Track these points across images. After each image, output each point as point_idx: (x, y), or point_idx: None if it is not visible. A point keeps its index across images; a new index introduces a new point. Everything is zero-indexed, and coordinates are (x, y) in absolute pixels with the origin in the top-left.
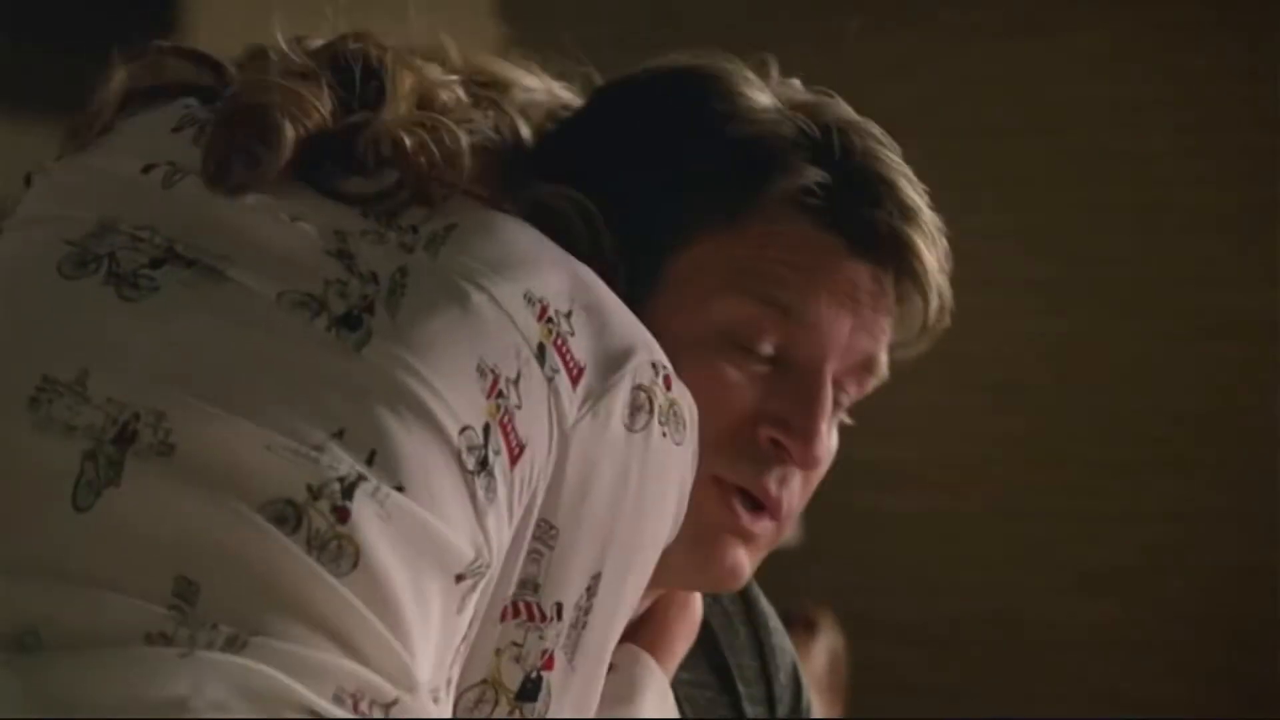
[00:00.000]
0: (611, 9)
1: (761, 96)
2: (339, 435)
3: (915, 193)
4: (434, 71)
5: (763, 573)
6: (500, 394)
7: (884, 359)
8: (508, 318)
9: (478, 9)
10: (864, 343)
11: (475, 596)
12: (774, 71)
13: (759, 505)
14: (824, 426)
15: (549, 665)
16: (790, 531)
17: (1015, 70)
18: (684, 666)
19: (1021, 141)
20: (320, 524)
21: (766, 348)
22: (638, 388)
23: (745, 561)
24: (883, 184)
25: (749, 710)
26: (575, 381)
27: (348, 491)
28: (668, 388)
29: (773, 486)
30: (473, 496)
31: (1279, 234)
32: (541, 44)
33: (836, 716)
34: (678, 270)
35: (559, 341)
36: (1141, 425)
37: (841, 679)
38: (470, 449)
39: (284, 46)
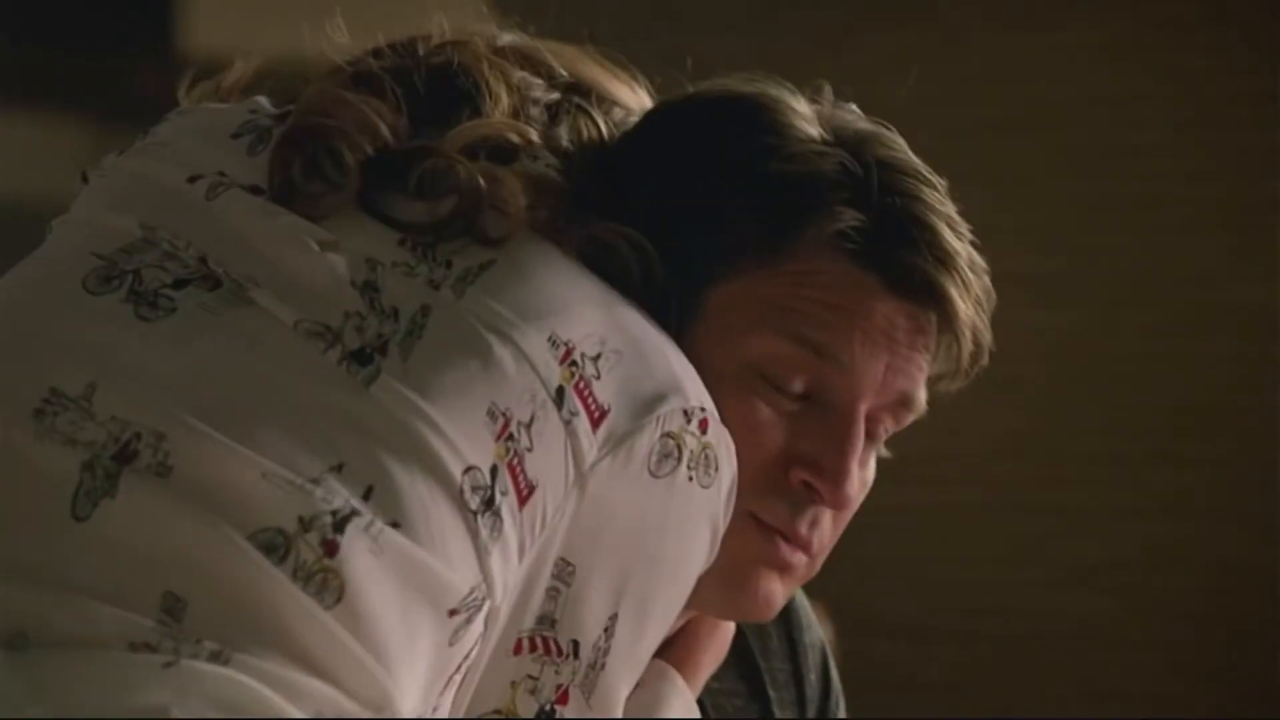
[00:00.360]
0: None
1: (809, 128)
2: (338, 469)
3: (954, 235)
4: (532, 85)
5: None
6: (510, 437)
7: (922, 396)
8: (527, 363)
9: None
10: (900, 382)
11: (471, 629)
12: (827, 96)
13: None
14: (854, 467)
15: (563, 700)
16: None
17: (1012, 66)
18: (714, 675)
19: (1020, 137)
20: (308, 555)
21: (798, 386)
22: (666, 435)
23: (779, 592)
24: (920, 227)
25: (779, 714)
26: (596, 424)
27: (339, 525)
28: (703, 431)
29: (804, 528)
30: (474, 535)
31: (1278, 230)
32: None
33: None
34: (715, 303)
35: (580, 385)
36: (1139, 420)
37: None
38: (475, 489)
39: (367, 49)
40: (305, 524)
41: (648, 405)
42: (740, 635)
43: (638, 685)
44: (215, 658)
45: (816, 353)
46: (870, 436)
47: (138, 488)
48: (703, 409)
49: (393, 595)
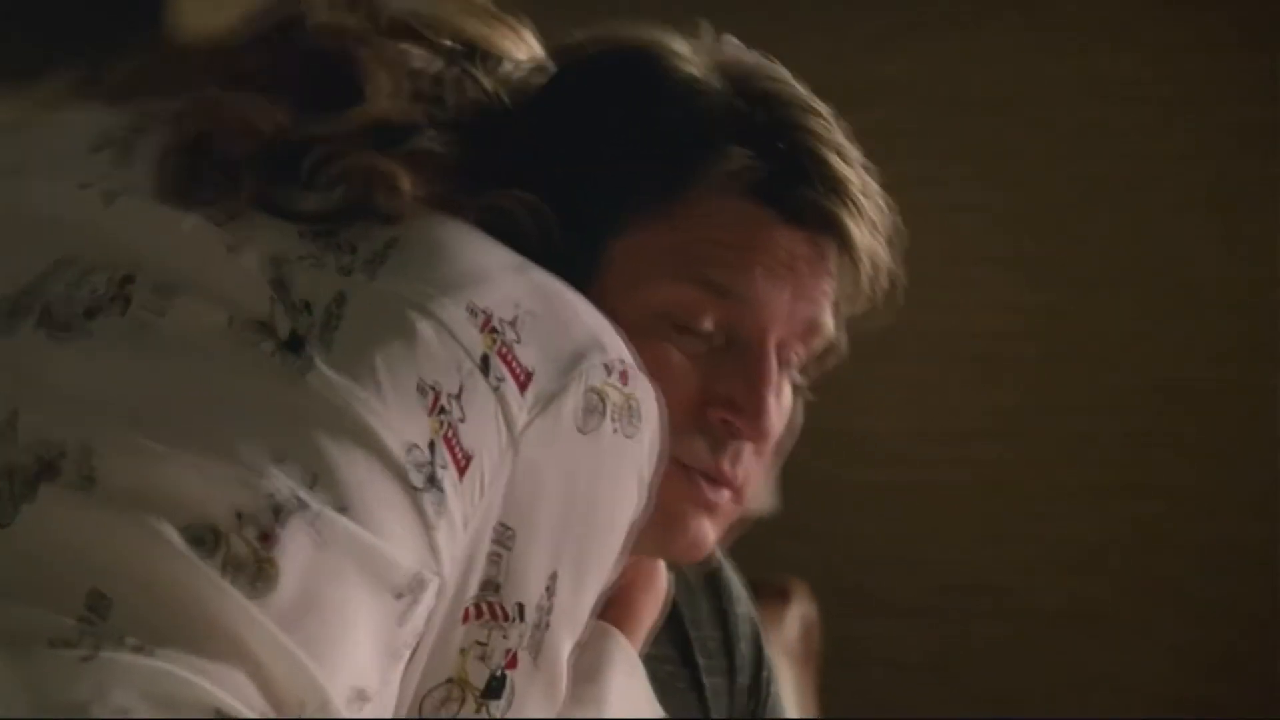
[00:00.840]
0: None
1: (690, 69)
2: (280, 460)
3: (843, 162)
4: (413, 58)
5: (740, 543)
6: (442, 410)
7: (829, 321)
8: (449, 335)
9: None
10: (806, 309)
11: (420, 608)
12: (707, 34)
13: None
14: (771, 399)
15: (513, 664)
16: (754, 502)
17: (998, 45)
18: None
19: (1007, 116)
20: (240, 548)
21: (708, 327)
22: (590, 390)
23: (709, 532)
24: (810, 158)
25: (709, 682)
26: (523, 387)
27: (280, 516)
28: (624, 383)
29: (726, 465)
30: (420, 513)
31: (1266, 208)
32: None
33: (809, 686)
34: (619, 256)
35: (503, 350)
36: (1126, 399)
37: (814, 649)
38: (418, 466)
39: (240, 38)
40: (241, 517)
41: (570, 363)
42: (673, 603)
43: (581, 646)
44: (138, 651)
45: (720, 293)
46: (782, 364)
47: (56, 495)
48: (622, 361)
49: (334, 581)
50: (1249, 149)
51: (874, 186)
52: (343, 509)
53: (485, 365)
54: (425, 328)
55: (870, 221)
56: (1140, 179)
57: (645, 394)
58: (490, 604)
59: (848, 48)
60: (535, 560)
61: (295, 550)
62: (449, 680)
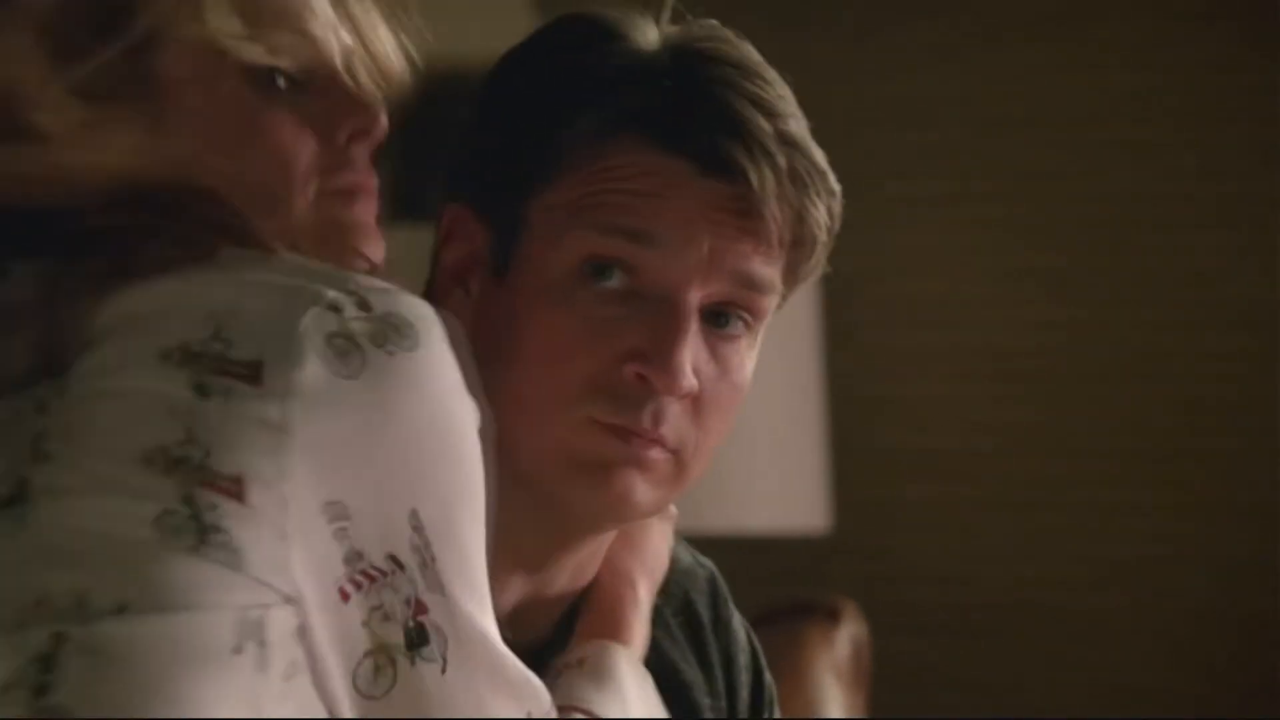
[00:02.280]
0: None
1: (633, 35)
2: (40, 604)
3: (760, 112)
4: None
5: (791, 563)
6: (178, 461)
7: (766, 273)
8: (143, 394)
9: None
10: (731, 260)
11: (275, 635)
12: (663, 15)
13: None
14: (682, 352)
15: (421, 610)
16: (702, 468)
17: (1021, 63)
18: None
19: (1029, 133)
20: (17, 712)
21: (619, 279)
22: (330, 338)
23: (639, 487)
24: (716, 105)
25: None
26: (257, 379)
27: (47, 665)
28: (367, 309)
29: (646, 421)
30: (218, 562)
31: None
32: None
33: (860, 706)
34: (537, 216)
35: (214, 365)
36: (1157, 415)
37: (865, 668)
38: (178, 530)
39: None
40: (6, 686)
41: (288, 329)
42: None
43: (580, 663)
44: None
45: (629, 238)
46: (722, 325)
47: None
48: (351, 291)
49: (164, 682)
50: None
51: (802, 141)
52: (121, 608)
53: (202, 389)
54: (116, 405)
55: (790, 172)
56: (1164, 195)
57: (402, 304)
58: (362, 571)
59: (874, 67)
60: (381, 511)
61: (77, 683)
62: (367, 653)
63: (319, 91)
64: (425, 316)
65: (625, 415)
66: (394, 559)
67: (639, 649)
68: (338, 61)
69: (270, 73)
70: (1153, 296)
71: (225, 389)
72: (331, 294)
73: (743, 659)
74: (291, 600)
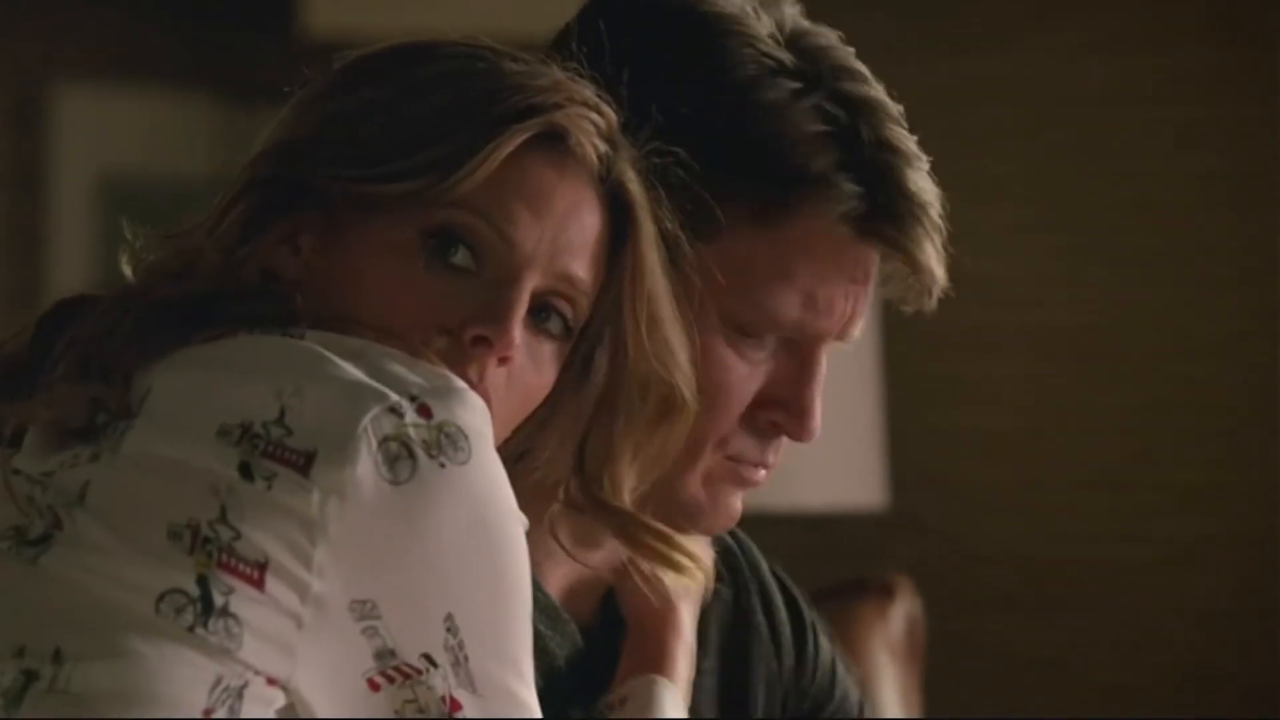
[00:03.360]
0: None
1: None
2: (19, 654)
3: (922, 186)
4: None
5: (851, 540)
6: (206, 540)
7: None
8: (191, 469)
9: None
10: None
11: (248, 708)
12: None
13: None
14: (818, 399)
15: (455, 706)
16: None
17: (1073, 44)
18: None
19: (1089, 111)
20: None
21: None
22: (385, 442)
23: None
24: (898, 191)
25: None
26: (304, 470)
27: (15, 701)
28: (427, 417)
29: (771, 457)
30: (203, 647)
31: None
32: None
33: (914, 683)
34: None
35: (269, 449)
36: (1218, 396)
37: (919, 645)
38: (179, 610)
39: None
40: None
41: (347, 428)
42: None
43: (623, 703)
44: None
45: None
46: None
47: None
48: (414, 396)
49: None
50: None
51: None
52: (94, 660)
53: (247, 472)
54: (164, 476)
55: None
56: (1233, 173)
57: (461, 412)
58: (395, 667)
59: (924, 46)
60: (414, 617)
61: None
62: None
63: (488, 284)
64: (480, 429)
65: (754, 452)
66: (428, 658)
67: (683, 680)
68: (524, 271)
69: (451, 242)
70: (1222, 276)
71: (270, 474)
72: (395, 397)
73: (779, 599)
74: (276, 682)
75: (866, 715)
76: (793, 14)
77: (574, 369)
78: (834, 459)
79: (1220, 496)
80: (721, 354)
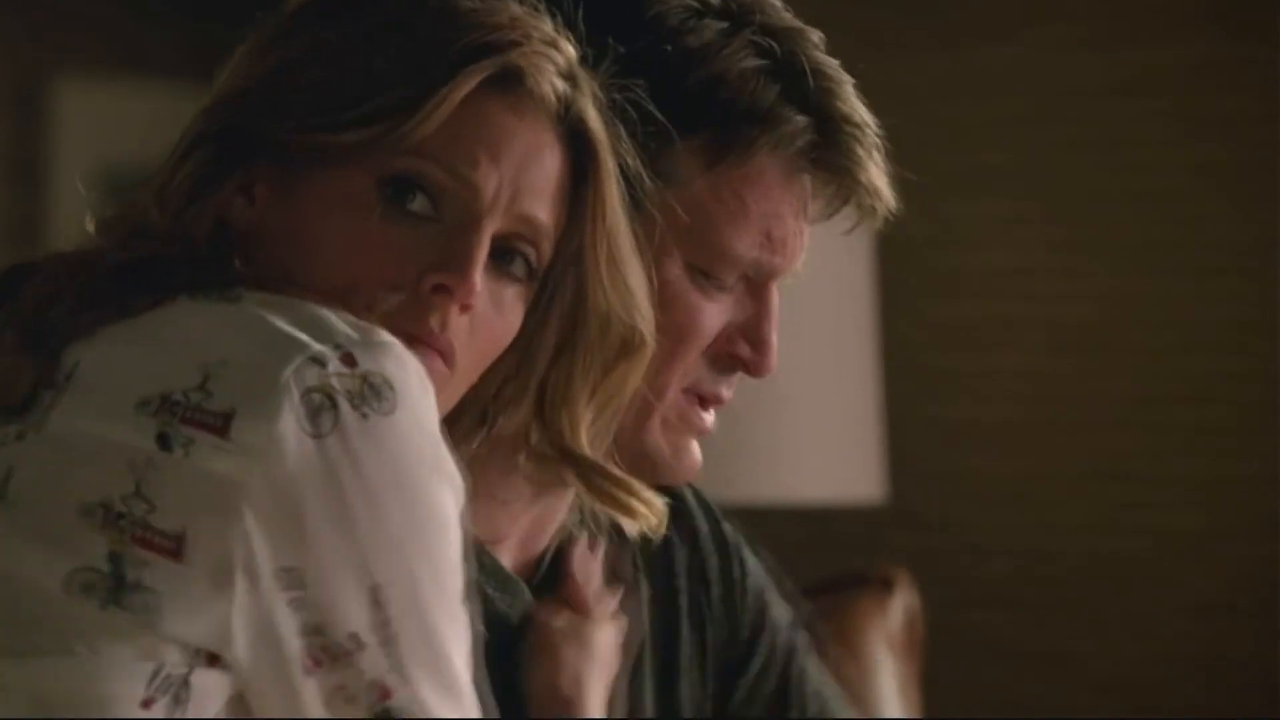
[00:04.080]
0: None
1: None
2: None
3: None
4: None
5: (852, 533)
6: (119, 516)
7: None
8: (106, 443)
9: None
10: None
11: (197, 690)
12: None
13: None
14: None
15: (386, 695)
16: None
17: (1074, 37)
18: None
19: (1090, 104)
20: None
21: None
22: (307, 393)
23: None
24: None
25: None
26: (224, 432)
27: None
28: (350, 365)
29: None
30: (127, 620)
31: None
32: None
33: (912, 677)
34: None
35: (187, 415)
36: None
37: (918, 639)
38: (88, 588)
39: None
40: None
41: (268, 382)
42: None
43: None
44: None
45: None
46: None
47: None
48: (337, 345)
49: None
50: None
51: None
52: (22, 654)
53: (165, 441)
54: (79, 453)
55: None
56: (1235, 164)
57: (387, 363)
58: (323, 646)
59: (929, 37)
60: (338, 585)
61: None
62: None
63: (448, 231)
64: (406, 381)
65: (710, 385)
66: (354, 638)
67: (594, 703)
68: (484, 216)
69: (408, 189)
70: (1221, 267)
71: (187, 440)
72: (318, 346)
73: (704, 528)
74: (219, 663)
75: (803, 640)
76: None
77: (537, 310)
78: (832, 452)
79: (1220, 489)
80: (687, 296)
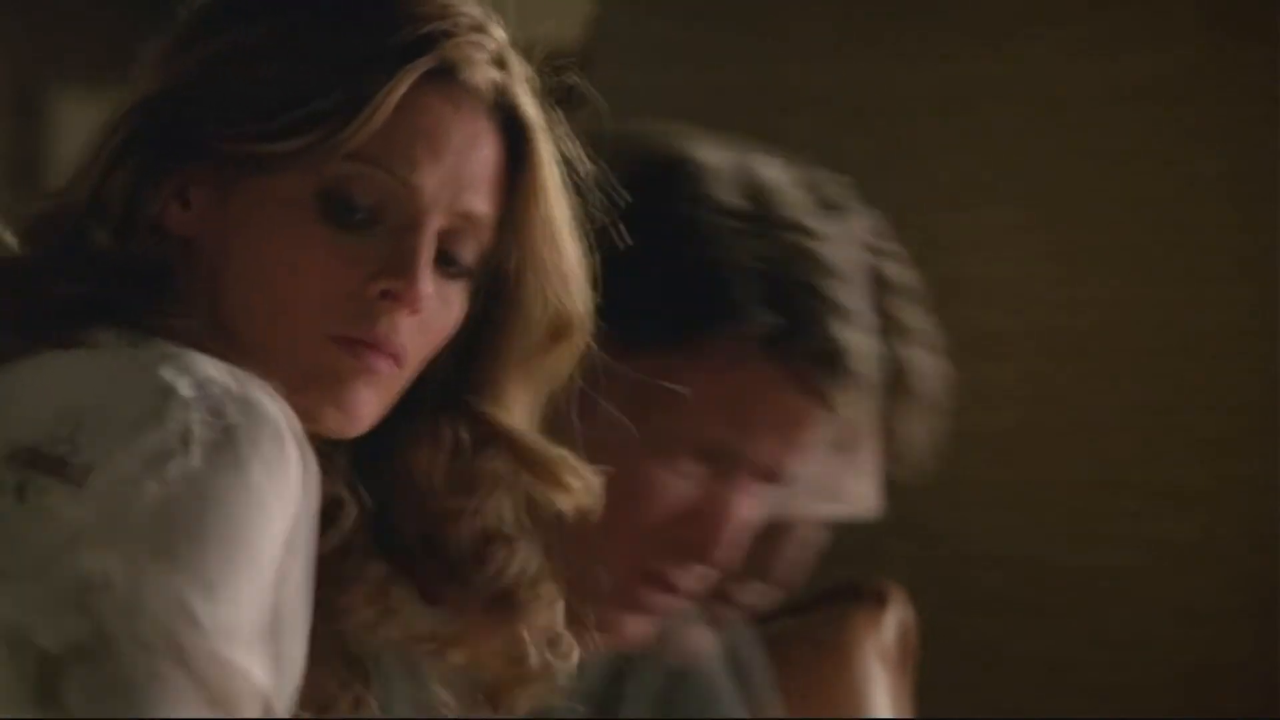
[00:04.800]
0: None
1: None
2: None
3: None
4: None
5: (848, 544)
6: None
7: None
8: None
9: None
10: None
11: None
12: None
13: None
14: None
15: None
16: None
17: (1069, 45)
18: None
19: (1085, 113)
20: None
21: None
22: (165, 439)
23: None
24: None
25: None
26: (81, 483)
27: None
28: (219, 416)
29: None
30: None
31: None
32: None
33: (905, 690)
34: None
35: (48, 466)
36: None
37: (911, 653)
38: None
39: None
40: None
41: (134, 430)
42: None
43: None
44: None
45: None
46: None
47: None
48: (210, 396)
49: None
50: None
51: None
52: None
53: (20, 493)
54: None
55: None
56: (1233, 172)
57: (247, 417)
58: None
59: (923, 49)
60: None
61: None
62: None
63: (392, 233)
64: (257, 439)
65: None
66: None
67: None
68: (427, 215)
69: (348, 197)
70: (1222, 276)
71: (41, 489)
72: (190, 393)
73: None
74: None
75: None
76: (772, 164)
77: (477, 294)
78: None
79: (1219, 498)
80: (646, 469)
